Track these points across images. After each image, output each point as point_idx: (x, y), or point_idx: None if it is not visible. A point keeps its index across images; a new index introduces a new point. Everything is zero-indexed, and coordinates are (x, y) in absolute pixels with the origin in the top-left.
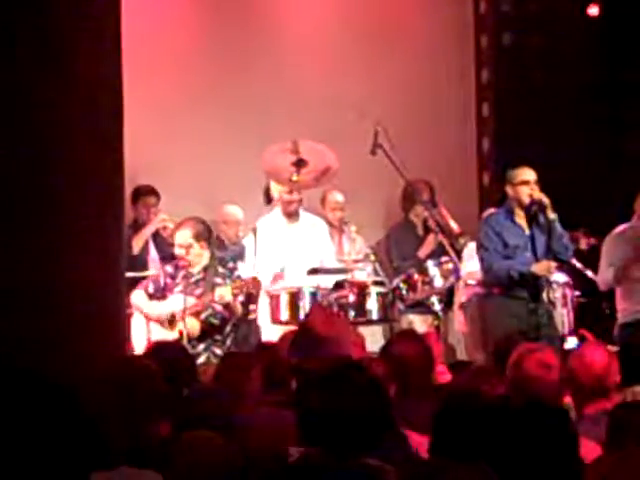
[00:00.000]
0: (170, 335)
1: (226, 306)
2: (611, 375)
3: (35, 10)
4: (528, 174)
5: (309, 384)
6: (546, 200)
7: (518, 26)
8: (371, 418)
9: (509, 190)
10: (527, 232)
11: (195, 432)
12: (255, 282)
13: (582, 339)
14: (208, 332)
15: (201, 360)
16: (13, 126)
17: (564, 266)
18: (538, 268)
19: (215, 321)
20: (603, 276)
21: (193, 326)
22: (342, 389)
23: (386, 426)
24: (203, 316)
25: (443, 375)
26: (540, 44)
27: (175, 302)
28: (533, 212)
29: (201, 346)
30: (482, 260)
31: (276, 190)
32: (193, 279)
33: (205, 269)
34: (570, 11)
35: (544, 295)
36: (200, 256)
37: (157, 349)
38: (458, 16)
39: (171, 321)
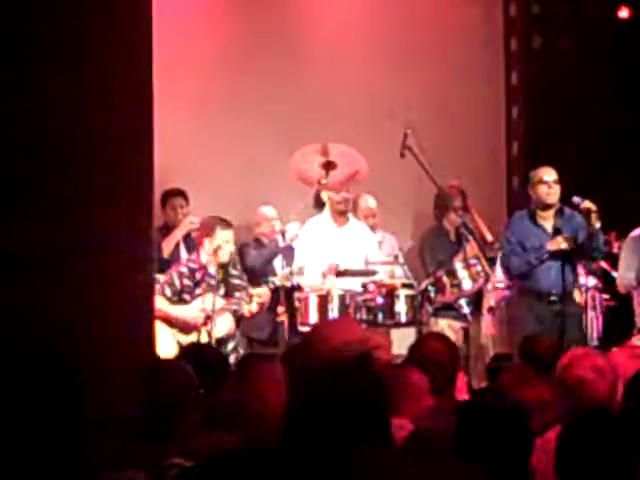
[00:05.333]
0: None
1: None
2: None
3: (64, 10)
4: (546, 173)
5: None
6: (594, 207)
7: (548, 28)
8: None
9: (530, 192)
10: (550, 231)
11: None
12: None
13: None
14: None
15: (230, 360)
16: (35, 130)
17: (594, 269)
18: (550, 244)
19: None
20: (623, 279)
21: (229, 323)
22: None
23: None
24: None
25: (461, 393)
26: (570, 46)
27: (205, 302)
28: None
29: (230, 345)
30: (502, 262)
31: (326, 194)
32: (213, 280)
33: (221, 267)
34: (600, 13)
35: (575, 296)
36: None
37: (192, 351)
38: (488, 19)
39: (205, 321)
